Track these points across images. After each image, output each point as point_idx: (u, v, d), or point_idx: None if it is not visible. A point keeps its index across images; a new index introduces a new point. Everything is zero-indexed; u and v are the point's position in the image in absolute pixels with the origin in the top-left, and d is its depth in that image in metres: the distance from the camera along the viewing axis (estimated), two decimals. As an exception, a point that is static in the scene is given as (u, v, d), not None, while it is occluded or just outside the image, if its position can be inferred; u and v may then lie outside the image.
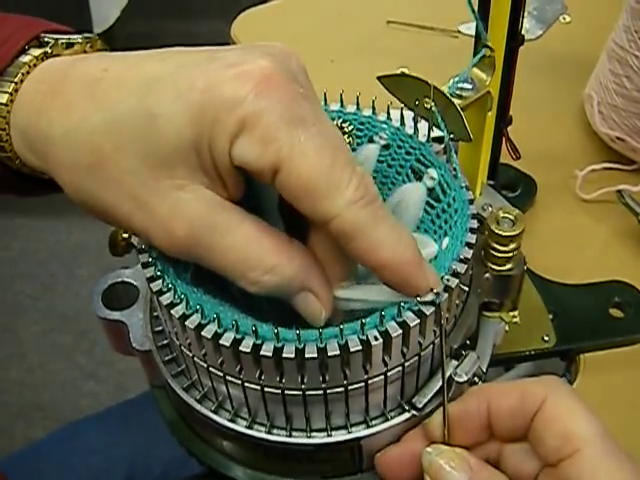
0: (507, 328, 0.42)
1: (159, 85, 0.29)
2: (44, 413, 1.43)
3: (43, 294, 1.65)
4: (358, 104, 0.40)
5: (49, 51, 0.35)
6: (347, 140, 0.39)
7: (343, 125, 0.39)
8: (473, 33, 0.45)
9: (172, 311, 0.31)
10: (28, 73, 0.34)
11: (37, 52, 0.35)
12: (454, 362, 0.35)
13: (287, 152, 0.28)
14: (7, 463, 0.67)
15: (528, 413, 0.31)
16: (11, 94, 0.33)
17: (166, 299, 0.32)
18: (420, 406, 0.35)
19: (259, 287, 0.30)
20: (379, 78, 0.39)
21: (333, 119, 0.39)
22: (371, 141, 0.40)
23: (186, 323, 0.31)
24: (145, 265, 0.33)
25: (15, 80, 0.34)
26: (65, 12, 1.51)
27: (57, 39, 0.36)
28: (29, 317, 1.61)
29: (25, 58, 0.35)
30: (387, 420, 0.35)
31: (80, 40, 0.37)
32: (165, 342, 0.38)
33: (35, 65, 0.34)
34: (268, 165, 0.28)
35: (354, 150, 0.40)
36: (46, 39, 0.36)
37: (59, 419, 1.33)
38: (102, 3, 1.68)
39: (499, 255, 0.38)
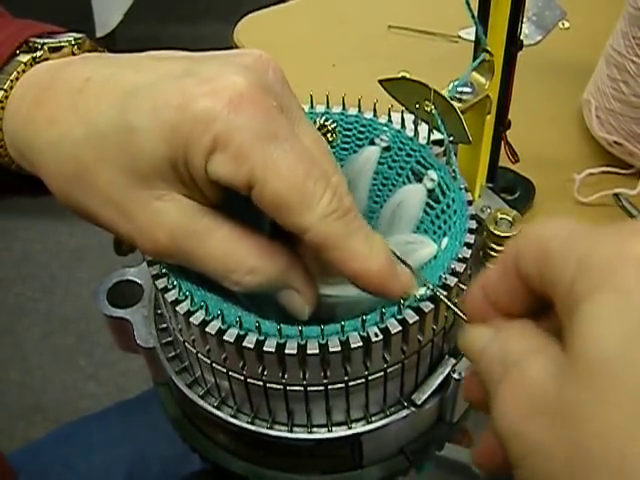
0: (505, 328, 0.43)
1: (137, 99, 0.30)
2: (44, 415, 1.43)
3: (44, 296, 1.65)
4: (360, 107, 0.41)
5: (37, 56, 0.36)
6: (330, 138, 0.39)
7: (326, 123, 0.39)
8: (473, 38, 0.46)
9: (177, 308, 0.32)
10: (17, 79, 0.35)
11: (25, 58, 0.35)
12: (452, 360, 0.36)
13: (260, 170, 0.28)
14: (7, 462, 0.67)
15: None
16: (1, 101, 0.34)
17: (171, 296, 0.32)
18: (419, 403, 0.35)
19: (242, 287, 0.32)
20: (380, 81, 0.40)
21: (315, 118, 0.39)
22: (372, 143, 0.41)
23: (191, 319, 0.32)
24: (151, 263, 0.34)
25: (4, 87, 0.34)
26: (68, 16, 1.52)
27: (44, 43, 0.36)
28: (29, 319, 1.61)
29: (14, 64, 0.35)
30: (387, 416, 0.35)
31: (68, 42, 0.37)
32: (169, 339, 0.38)
33: (24, 71, 0.35)
34: (242, 182, 0.29)
35: (355, 152, 0.41)
36: (35, 44, 0.37)
37: (59, 420, 1.33)
38: (105, 7, 1.69)
39: (497, 255, 0.39)
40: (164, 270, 0.33)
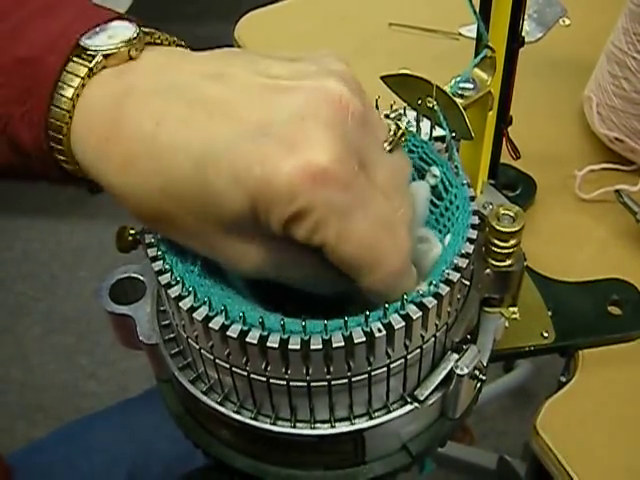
0: (507, 324, 0.43)
1: (215, 159, 0.30)
2: (45, 414, 1.44)
3: (44, 295, 1.66)
4: (361, 103, 0.41)
5: (93, 66, 0.33)
6: (404, 140, 0.36)
7: (399, 123, 0.36)
8: (474, 35, 0.46)
9: (180, 303, 0.32)
10: (78, 96, 0.33)
11: (81, 70, 0.33)
12: (455, 355, 0.36)
13: (332, 239, 0.30)
14: (9, 461, 0.67)
15: None
16: (67, 123, 0.33)
17: (174, 292, 0.32)
18: (422, 398, 0.35)
19: None
20: (382, 78, 0.40)
21: (388, 121, 0.36)
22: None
23: (194, 315, 0.32)
24: (154, 259, 0.34)
25: (66, 108, 0.33)
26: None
27: (97, 50, 0.33)
28: (30, 318, 1.61)
29: (69, 76, 0.33)
30: (389, 412, 0.35)
31: (123, 44, 0.34)
32: (172, 335, 0.38)
33: (83, 85, 0.33)
34: (315, 244, 0.31)
35: None
36: (87, 51, 0.33)
37: (60, 419, 1.33)
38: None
39: (499, 251, 0.39)
40: (167, 266, 0.33)
